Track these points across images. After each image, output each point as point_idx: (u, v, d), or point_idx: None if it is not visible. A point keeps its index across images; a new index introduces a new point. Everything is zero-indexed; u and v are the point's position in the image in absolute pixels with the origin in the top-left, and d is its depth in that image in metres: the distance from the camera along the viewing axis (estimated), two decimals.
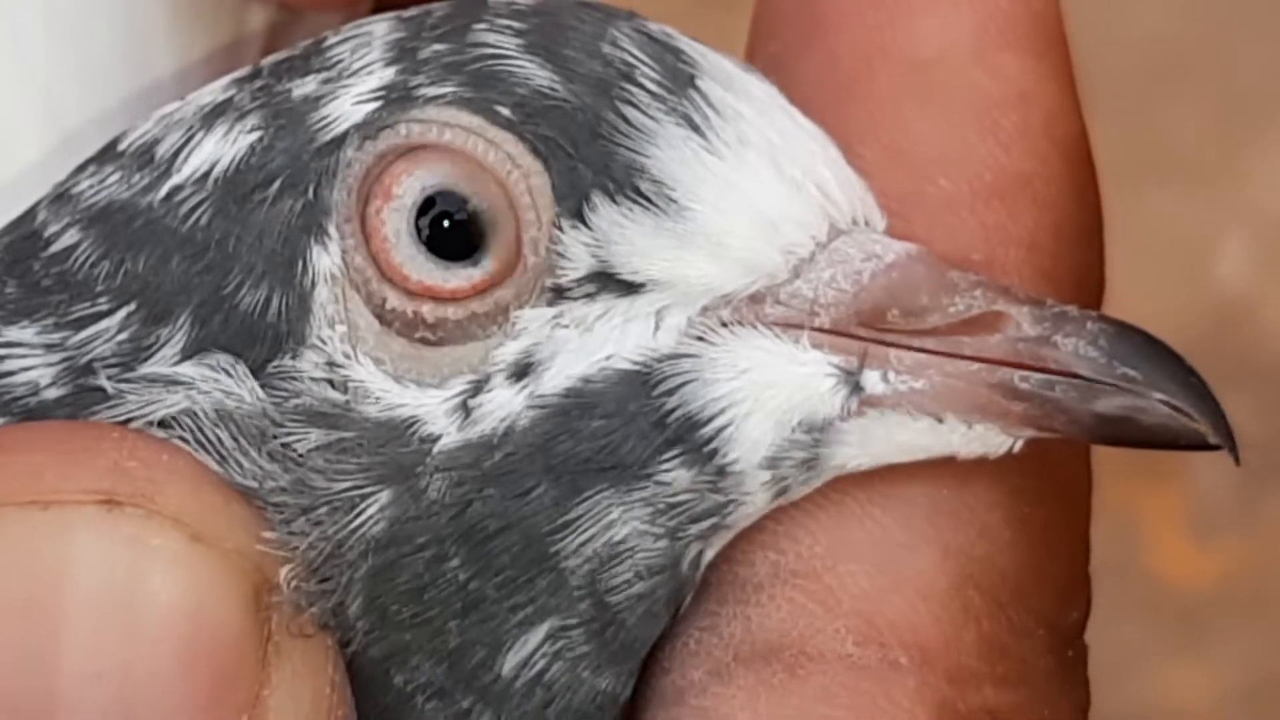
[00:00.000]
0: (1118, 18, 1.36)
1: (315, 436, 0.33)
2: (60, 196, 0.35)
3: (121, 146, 0.35)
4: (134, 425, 0.34)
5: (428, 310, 0.34)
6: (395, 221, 0.34)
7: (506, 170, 0.34)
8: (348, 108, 0.34)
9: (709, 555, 0.35)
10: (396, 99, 0.34)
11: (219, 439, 0.33)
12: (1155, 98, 1.35)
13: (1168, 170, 1.34)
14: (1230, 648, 1.20)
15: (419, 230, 0.34)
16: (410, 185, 0.34)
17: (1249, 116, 1.37)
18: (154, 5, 0.39)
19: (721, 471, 0.34)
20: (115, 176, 0.35)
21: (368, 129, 0.34)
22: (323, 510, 0.33)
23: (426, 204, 0.34)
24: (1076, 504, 0.36)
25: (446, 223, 0.34)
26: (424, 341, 0.34)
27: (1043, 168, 0.36)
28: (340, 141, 0.34)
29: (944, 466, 0.34)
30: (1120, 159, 1.32)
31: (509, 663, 0.34)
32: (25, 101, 0.38)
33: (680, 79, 0.34)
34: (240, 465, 0.33)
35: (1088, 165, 0.37)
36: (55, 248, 0.35)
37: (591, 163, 0.34)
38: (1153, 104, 1.35)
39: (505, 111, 0.34)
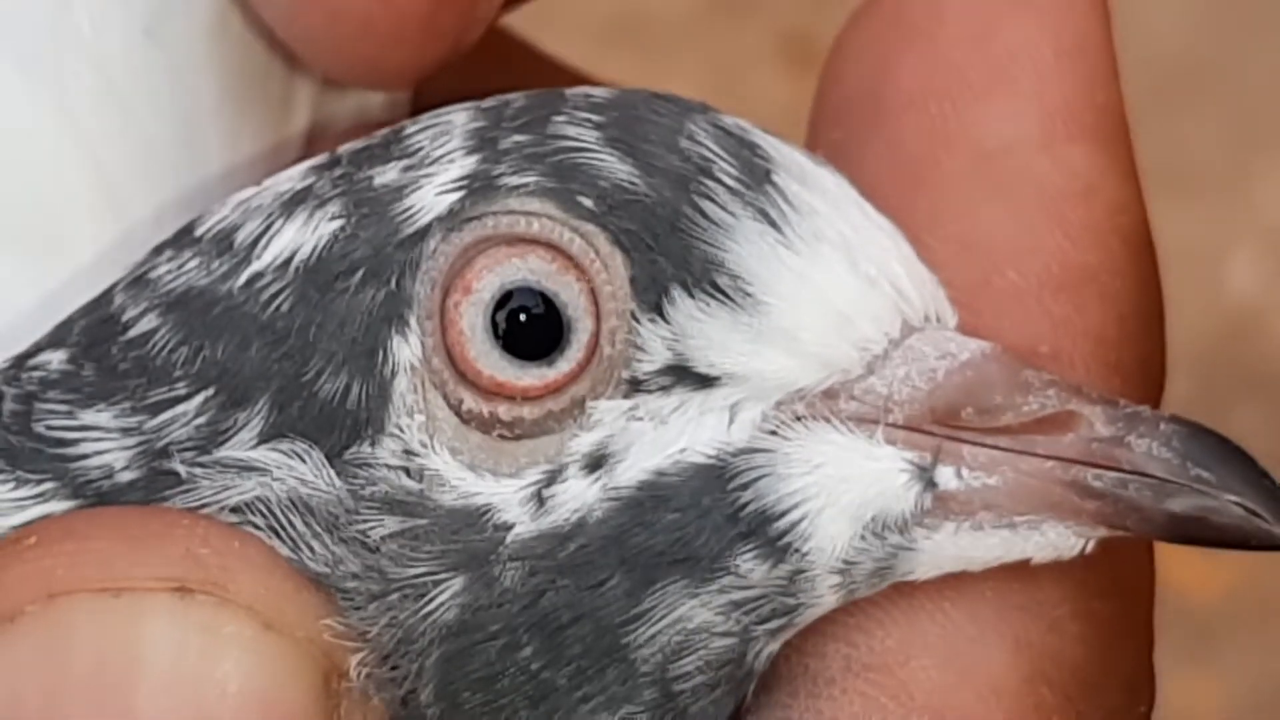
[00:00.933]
0: (1129, 34, 1.36)
1: (390, 524, 0.34)
2: (137, 280, 0.36)
3: (199, 232, 0.36)
4: (207, 510, 0.34)
5: (503, 410, 0.34)
6: (471, 316, 0.34)
7: (589, 260, 0.34)
8: (431, 198, 0.34)
9: (774, 649, 0.35)
10: (480, 188, 0.34)
11: (292, 525, 0.34)
12: (1166, 112, 1.35)
13: (1178, 183, 1.34)
14: (1239, 659, 1.20)
15: (495, 325, 0.34)
16: (490, 281, 0.34)
17: (1259, 130, 1.38)
18: (207, 100, 0.39)
19: (795, 571, 0.34)
20: (194, 262, 0.35)
21: (451, 221, 0.34)
22: (394, 597, 0.33)
23: (504, 298, 0.34)
24: (1141, 597, 0.37)
25: (523, 317, 0.34)
26: (501, 437, 0.34)
27: (1108, 260, 0.36)
28: (424, 233, 0.34)
29: (1013, 562, 0.34)
30: None
31: None
32: (87, 192, 0.38)
33: (757, 174, 0.34)
34: (313, 551, 0.34)
35: (1150, 255, 0.37)
36: (133, 332, 0.35)
37: (671, 256, 0.34)
38: (1163, 118, 1.35)
39: (588, 203, 0.34)
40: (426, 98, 0.40)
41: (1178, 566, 1.22)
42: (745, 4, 1.43)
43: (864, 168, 0.37)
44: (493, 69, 0.42)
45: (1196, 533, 0.33)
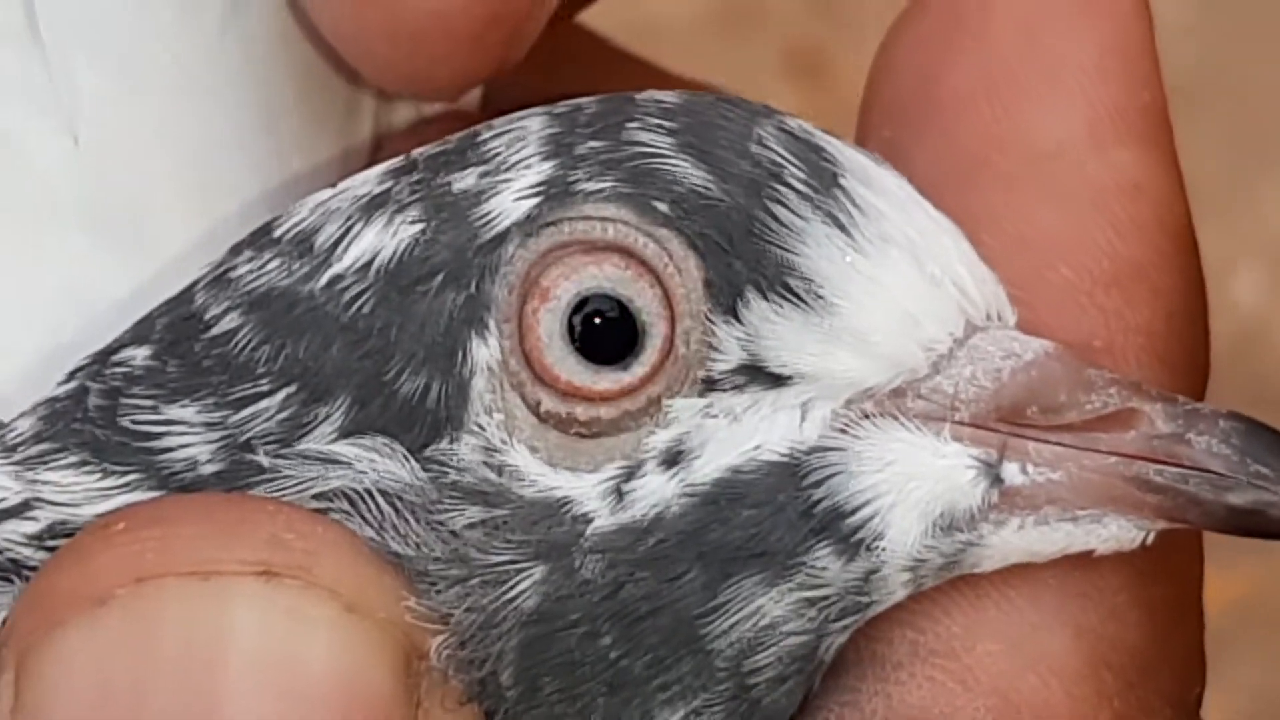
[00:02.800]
0: None
1: (472, 513, 0.35)
2: (218, 279, 0.37)
3: (277, 233, 0.37)
4: (289, 499, 0.35)
5: (580, 411, 0.35)
6: (549, 322, 0.35)
7: (664, 263, 0.35)
8: (509, 204, 0.35)
9: (843, 640, 0.36)
10: (556, 194, 0.35)
11: (377, 508, 0.35)
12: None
13: None
14: (1246, 671, 1.20)
15: (572, 329, 0.35)
16: (566, 288, 0.35)
17: (1263, 145, 1.38)
18: (284, 99, 0.40)
19: (869, 569, 0.35)
20: (275, 263, 0.36)
21: (530, 226, 0.35)
22: (476, 582, 0.34)
23: (580, 304, 0.35)
24: (1193, 583, 0.38)
25: (598, 321, 0.35)
26: (579, 435, 0.35)
27: (1156, 256, 0.38)
28: (503, 238, 0.35)
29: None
30: None
31: None
32: (175, 186, 0.39)
33: (825, 177, 0.36)
34: (397, 533, 0.34)
35: (1194, 252, 0.39)
36: (216, 330, 0.36)
37: (745, 259, 0.35)
38: None
39: (663, 208, 0.35)
40: (497, 95, 0.42)
41: None
42: (752, 16, 1.43)
43: (917, 166, 0.38)
44: (564, 63, 0.43)
45: (1255, 525, 0.34)
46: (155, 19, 0.39)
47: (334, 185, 0.37)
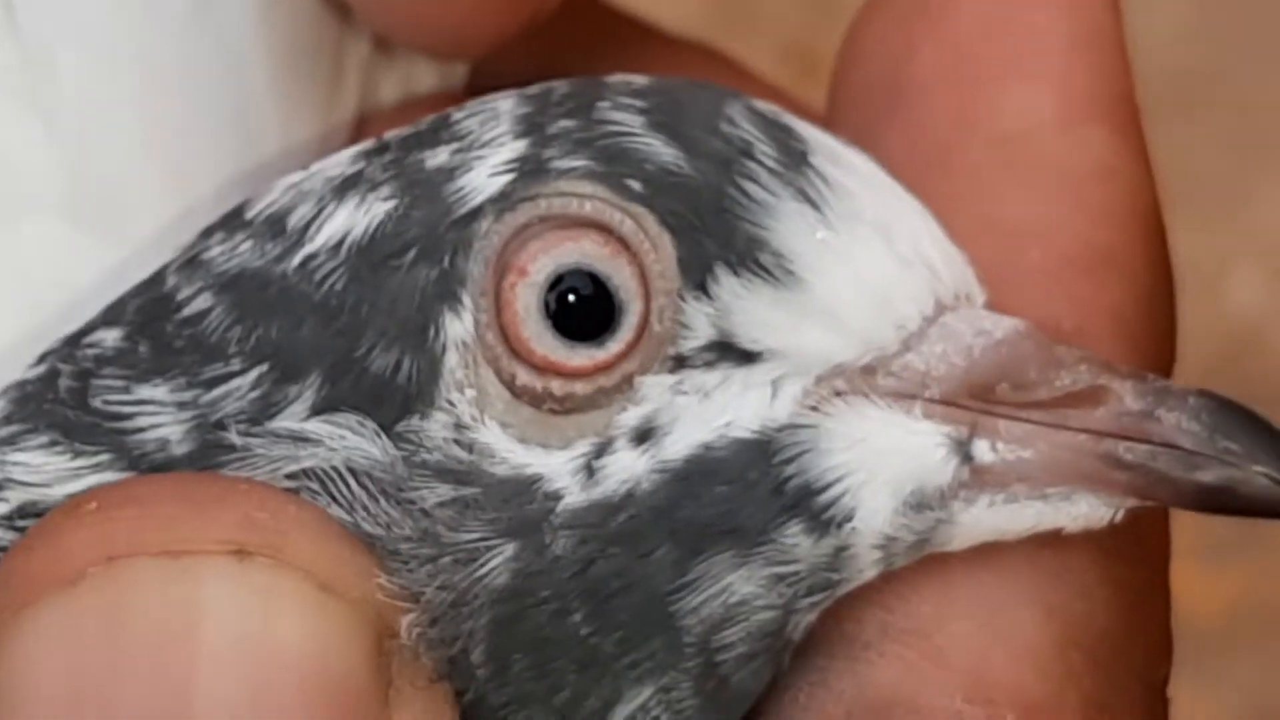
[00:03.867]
0: (1131, 50, 1.38)
1: (442, 491, 0.35)
2: (190, 262, 0.37)
3: (249, 215, 0.37)
4: (262, 479, 0.35)
5: (556, 386, 0.35)
6: (527, 297, 0.35)
7: (639, 240, 0.35)
8: (483, 179, 0.35)
9: (812, 619, 0.36)
10: (530, 171, 0.35)
11: (348, 488, 0.35)
12: (1166, 127, 1.35)
13: (1179, 198, 1.34)
14: (1238, 675, 1.20)
15: (548, 305, 0.35)
16: (545, 263, 0.35)
17: (1260, 146, 1.38)
18: (260, 78, 0.40)
19: (839, 546, 0.35)
20: (247, 244, 0.36)
21: (504, 201, 0.35)
22: (447, 560, 0.34)
23: (557, 279, 0.35)
24: (1161, 563, 0.38)
25: (574, 298, 0.35)
26: (552, 411, 0.35)
27: (1126, 240, 0.38)
28: (477, 213, 0.35)
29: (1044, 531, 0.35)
30: None
31: (619, 715, 0.35)
32: (150, 168, 0.39)
33: (794, 156, 0.36)
34: (368, 513, 0.35)
35: (1163, 237, 0.39)
36: (188, 311, 0.36)
37: (715, 236, 0.35)
38: (1164, 133, 1.35)
39: (636, 185, 0.35)
40: (484, 77, 0.42)
41: (1178, 581, 1.22)
42: (748, 17, 1.44)
43: (885, 151, 0.38)
44: (571, 36, 0.43)
45: (1225, 503, 0.34)
46: (126, 12, 0.39)
47: (307, 168, 0.37)
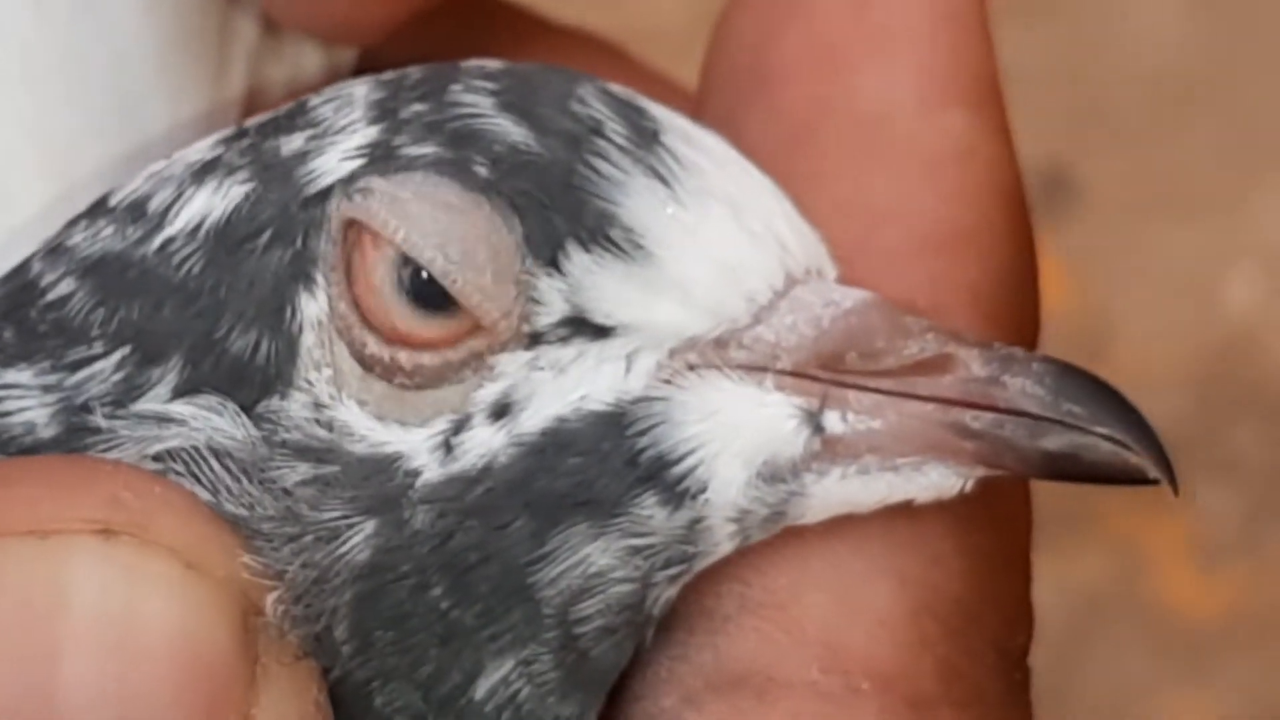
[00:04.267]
0: (1128, 52, 1.37)
1: (302, 470, 0.35)
2: (55, 250, 0.37)
3: (112, 203, 0.37)
4: (127, 460, 0.35)
5: (404, 357, 0.35)
6: (382, 270, 0.35)
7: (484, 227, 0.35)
8: (334, 163, 0.36)
9: (671, 594, 0.36)
10: (380, 156, 0.36)
11: (211, 470, 0.35)
12: (1165, 131, 1.36)
13: (1177, 202, 1.34)
14: (1235, 678, 1.20)
15: (401, 279, 0.35)
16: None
17: (1258, 149, 1.38)
18: (144, 60, 0.40)
19: (694, 518, 0.35)
20: (109, 230, 0.37)
21: (353, 183, 0.35)
22: (309, 538, 0.35)
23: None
24: (1019, 532, 0.38)
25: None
26: (404, 386, 0.35)
27: (984, 219, 0.38)
28: (327, 193, 0.36)
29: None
30: (1130, 191, 1.34)
31: (481, 688, 0.35)
32: (29, 150, 0.40)
33: (645, 135, 0.36)
34: (230, 494, 0.35)
35: (1025, 214, 0.39)
36: (51, 296, 0.36)
37: (565, 212, 0.35)
38: (1162, 137, 1.35)
39: (482, 170, 0.35)
40: (367, 65, 0.42)
41: (1175, 585, 1.22)
42: None
43: (746, 136, 0.38)
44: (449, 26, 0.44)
45: (1070, 469, 0.35)
46: (5, 2, 0.39)
47: (169, 156, 0.38)
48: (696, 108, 0.40)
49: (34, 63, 0.40)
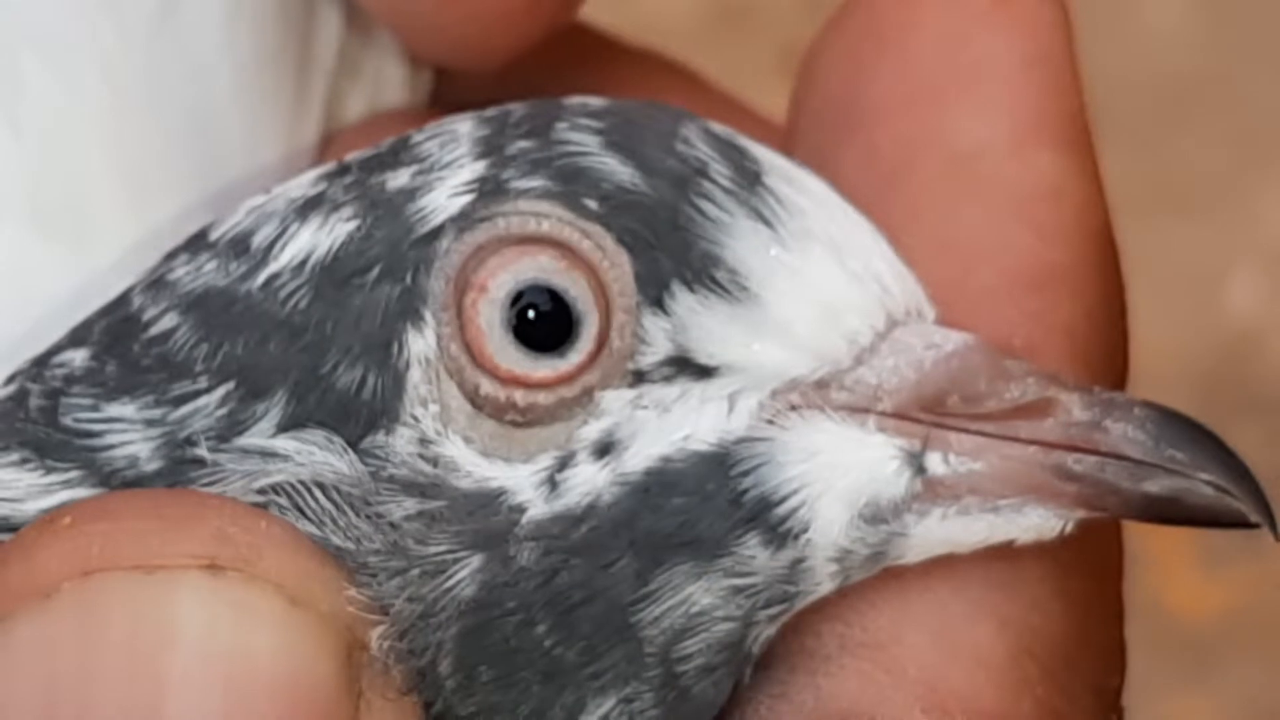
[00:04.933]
0: (1131, 53, 1.38)
1: (409, 504, 0.35)
2: (155, 283, 0.37)
3: (213, 237, 0.37)
4: (232, 494, 0.36)
5: (519, 396, 0.36)
6: (489, 313, 0.36)
7: (598, 258, 0.36)
8: (444, 200, 0.36)
9: (771, 633, 0.37)
10: (490, 191, 0.36)
11: (317, 503, 0.35)
12: (1167, 131, 1.36)
13: (1179, 203, 1.35)
14: (1237, 679, 1.20)
15: (509, 320, 0.36)
16: (504, 279, 0.36)
17: (1259, 150, 1.39)
18: (223, 94, 0.41)
19: (796, 558, 0.36)
20: (211, 265, 0.37)
21: (464, 221, 0.36)
22: (415, 573, 0.35)
23: (517, 295, 0.36)
24: (1113, 575, 0.39)
25: (533, 314, 0.36)
26: (513, 424, 0.36)
27: (1076, 258, 0.38)
28: (438, 232, 0.36)
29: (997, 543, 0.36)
30: (1132, 191, 1.34)
31: None
32: (114, 187, 0.40)
33: (748, 175, 0.36)
34: (337, 527, 0.35)
35: (1114, 253, 0.39)
36: (154, 330, 0.37)
37: (671, 253, 0.36)
38: (1164, 137, 1.36)
39: (592, 204, 0.36)
40: (445, 93, 0.42)
41: (1174, 587, 1.22)
42: (746, 18, 1.44)
43: (841, 172, 0.39)
44: (561, 57, 0.44)
45: (1172, 513, 0.35)
46: (88, 18, 0.39)
47: (268, 190, 0.38)
48: (787, 142, 0.41)
49: (116, 87, 0.40)
